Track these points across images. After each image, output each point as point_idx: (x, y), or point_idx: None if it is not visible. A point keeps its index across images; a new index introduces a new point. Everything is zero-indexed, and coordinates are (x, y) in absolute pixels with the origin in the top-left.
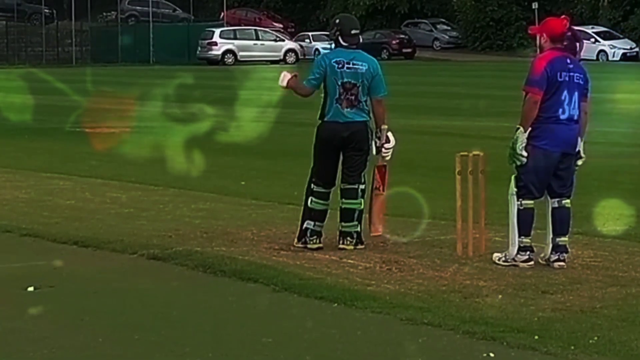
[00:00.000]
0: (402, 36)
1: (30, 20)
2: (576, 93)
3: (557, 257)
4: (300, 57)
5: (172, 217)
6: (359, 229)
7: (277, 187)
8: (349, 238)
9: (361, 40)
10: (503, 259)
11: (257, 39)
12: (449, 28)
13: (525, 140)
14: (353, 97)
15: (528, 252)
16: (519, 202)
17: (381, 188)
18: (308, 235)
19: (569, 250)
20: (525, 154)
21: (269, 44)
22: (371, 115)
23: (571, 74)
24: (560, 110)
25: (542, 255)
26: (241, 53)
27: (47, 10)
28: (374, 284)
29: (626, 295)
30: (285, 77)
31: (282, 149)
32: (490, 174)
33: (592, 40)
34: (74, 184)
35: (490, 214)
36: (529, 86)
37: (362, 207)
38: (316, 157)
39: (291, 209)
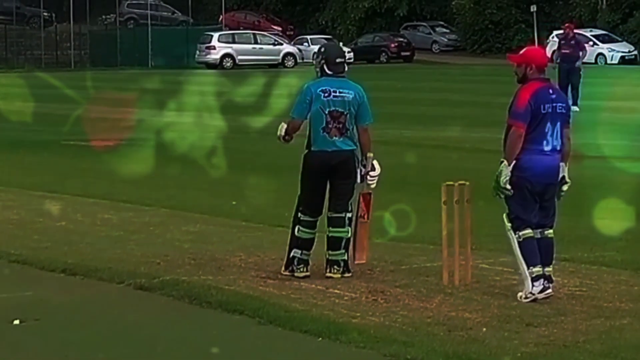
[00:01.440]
0: (401, 39)
1: (29, 24)
2: (559, 123)
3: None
4: (299, 60)
5: (162, 241)
6: (346, 257)
7: (268, 206)
8: (335, 266)
9: (347, 68)
10: (524, 296)
11: (256, 42)
12: (447, 31)
13: (509, 174)
14: (341, 126)
15: (542, 281)
16: (517, 235)
17: (366, 216)
18: (295, 263)
19: (554, 279)
20: (509, 187)
21: (267, 48)
22: (357, 143)
23: (554, 104)
24: (544, 142)
25: None
26: (240, 57)
27: (46, 14)
28: (359, 316)
29: (610, 327)
30: (284, 127)
31: (275, 163)
32: (481, 193)
33: (591, 43)
34: (65, 203)
35: (478, 237)
36: (513, 119)
37: (350, 235)
38: (304, 186)
39: (281, 232)
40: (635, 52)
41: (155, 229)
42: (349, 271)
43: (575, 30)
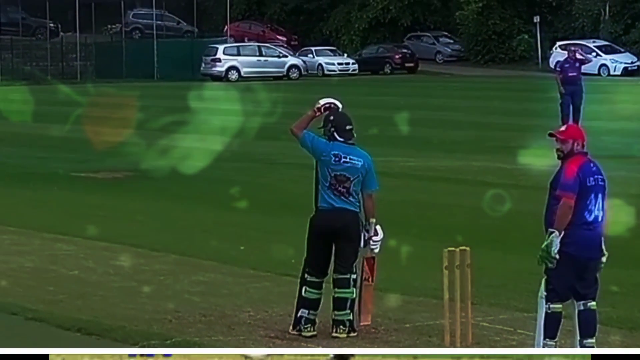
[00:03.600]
0: (405, 50)
1: (35, 35)
2: (600, 195)
3: None
4: (304, 72)
5: (172, 293)
6: (351, 317)
7: (276, 252)
8: (341, 326)
9: (355, 136)
10: None
11: (261, 55)
12: (451, 41)
13: (558, 244)
14: (345, 190)
15: None
16: (547, 306)
17: (370, 279)
18: (302, 323)
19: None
20: (558, 257)
21: (272, 60)
22: (361, 207)
23: (596, 176)
24: (586, 212)
25: None
26: (245, 69)
27: (52, 25)
28: None
29: None
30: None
31: (282, 200)
32: (482, 238)
33: (594, 54)
34: (77, 248)
35: (479, 288)
36: (563, 191)
37: (354, 295)
38: (309, 248)
39: (288, 282)
40: (638, 63)
41: (166, 278)
42: (354, 330)
43: (577, 42)
